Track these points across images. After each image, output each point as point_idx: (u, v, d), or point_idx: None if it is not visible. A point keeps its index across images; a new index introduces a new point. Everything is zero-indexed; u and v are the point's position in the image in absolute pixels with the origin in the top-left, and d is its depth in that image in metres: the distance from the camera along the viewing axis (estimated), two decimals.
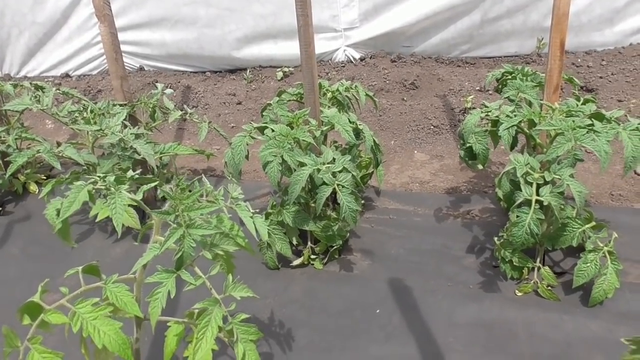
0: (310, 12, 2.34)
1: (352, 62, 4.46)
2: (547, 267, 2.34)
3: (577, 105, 2.34)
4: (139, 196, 1.61)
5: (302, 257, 2.60)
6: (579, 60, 4.13)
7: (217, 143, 3.90)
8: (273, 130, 2.36)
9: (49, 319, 1.47)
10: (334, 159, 2.34)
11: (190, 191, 1.57)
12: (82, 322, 1.47)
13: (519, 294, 2.33)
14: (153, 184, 1.70)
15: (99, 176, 1.59)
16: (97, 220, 2.92)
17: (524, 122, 2.31)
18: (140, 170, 3.07)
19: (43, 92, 3.05)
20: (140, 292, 1.69)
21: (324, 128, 2.49)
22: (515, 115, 2.27)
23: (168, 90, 3.35)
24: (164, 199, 1.57)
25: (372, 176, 3.03)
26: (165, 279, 1.53)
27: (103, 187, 1.60)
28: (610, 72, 3.94)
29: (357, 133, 2.54)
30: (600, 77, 3.95)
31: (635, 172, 3.12)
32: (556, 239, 2.28)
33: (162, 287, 1.52)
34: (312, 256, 2.61)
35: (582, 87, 3.89)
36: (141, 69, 4.94)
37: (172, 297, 1.52)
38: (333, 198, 2.70)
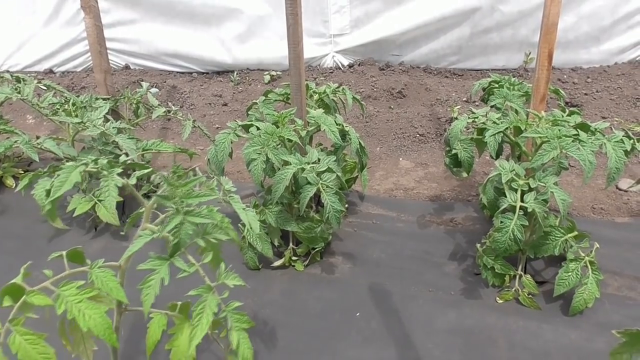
0: (300, 12, 2.33)
1: (340, 68, 4.46)
2: (528, 275, 2.34)
3: (563, 116, 2.35)
4: (132, 180, 1.57)
5: (283, 259, 2.56)
6: (565, 76, 4.18)
7: (201, 143, 3.86)
8: (258, 128, 2.34)
9: (32, 300, 1.41)
10: (318, 159, 2.32)
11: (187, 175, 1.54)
12: (67, 305, 1.41)
13: (500, 301, 2.32)
14: (147, 171, 1.65)
15: (90, 158, 1.54)
16: (74, 215, 2.85)
17: (510, 129, 2.31)
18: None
19: (24, 84, 2.98)
20: (124, 279, 1.65)
21: (310, 128, 2.47)
22: (502, 122, 2.28)
23: (153, 89, 3.31)
24: (146, 196, 1.52)
25: (357, 181, 3.02)
26: (158, 265, 1.48)
27: (95, 170, 1.55)
28: (595, 89, 4.00)
29: (343, 135, 2.52)
30: (585, 94, 4.00)
31: (617, 187, 3.15)
32: (538, 247, 2.28)
33: (156, 274, 1.47)
34: (294, 258, 2.57)
35: (567, 103, 3.94)
36: (127, 67, 4.88)
37: (165, 284, 1.47)
38: (317, 200, 2.68)
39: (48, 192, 1.54)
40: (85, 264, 1.52)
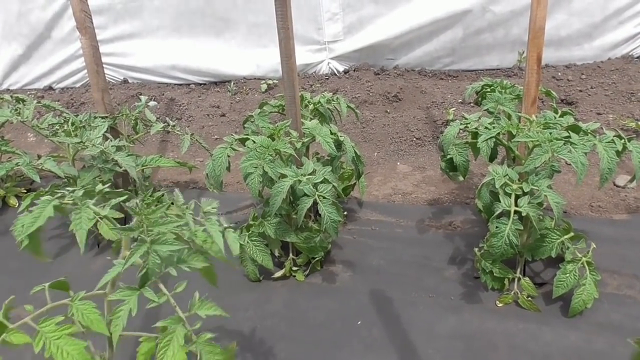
0: (291, 25, 2.36)
1: (336, 74, 4.49)
2: (527, 278, 2.36)
3: (555, 117, 2.37)
4: (104, 211, 1.57)
5: (283, 269, 2.58)
6: (559, 73, 4.20)
7: (200, 155, 3.89)
8: (254, 142, 2.36)
9: (11, 339, 1.43)
10: (314, 170, 2.34)
11: (159, 203, 1.54)
12: (45, 342, 1.41)
13: (500, 304, 2.34)
14: (121, 199, 1.65)
15: (67, 190, 1.56)
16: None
17: (502, 134, 2.33)
18: (122, 185, 3.06)
19: (24, 105, 3.03)
20: (111, 308, 1.66)
21: (305, 140, 2.50)
22: (493, 127, 2.30)
23: (152, 103, 3.35)
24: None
25: (355, 187, 3.04)
26: (127, 296, 1.49)
27: (70, 202, 1.56)
28: (590, 85, 4.02)
29: (339, 144, 2.55)
30: (580, 91, 4.01)
31: (614, 184, 3.17)
32: (535, 249, 2.30)
33: (125, 304, 1.48)
34: (294, 268, 2.60)
35: (562, 100, 3.96)
36: (125, 81, 4.92)
37: (133, 315, 1.47)
38: (315, 209, 2.70)
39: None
40: (69, 294, 1.52)
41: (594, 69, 4.19)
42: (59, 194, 1.55)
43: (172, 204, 1.59)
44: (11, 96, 3.24)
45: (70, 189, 1.57)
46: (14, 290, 1.96)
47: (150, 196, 1.52)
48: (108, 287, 1.58)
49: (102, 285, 1.54)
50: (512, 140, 2.28)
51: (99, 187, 1.61)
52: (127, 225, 1.49)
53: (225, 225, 1.58)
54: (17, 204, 3.44)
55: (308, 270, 2.61)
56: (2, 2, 4.78)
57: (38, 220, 1.51)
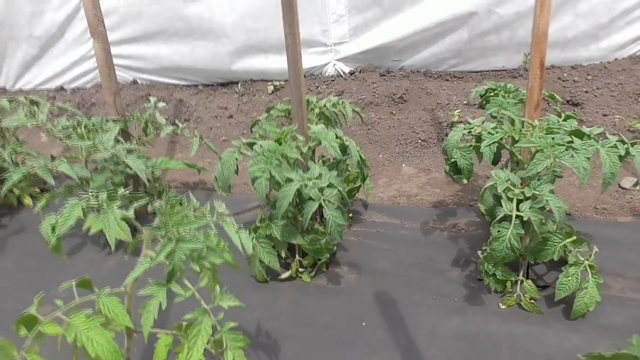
0: (297, 31, 2.40)
1: (341, 76, 4.52)
2: (530, 281, 2.39)
3: (558, 121, 2.40)
4: (130, 213, 1.67)
5: (290, 270, 2.64)
6: (565, 74, 4.20)
7: (209, 156, 3.95)
8: (261, 147, 2.41)
9: (45, 330, 1.53)
10: (320, 175, 2.39)
11: (180, 205, 1.63)
12: (76, 333, 1.53)
13: (503, 307, 2.37)
14: (144, 201, 1.77)
15: (91, 193, 1.64)
16: (89, 233, 2.96)
17: (505, 138, 2.37)
18: (132, 186, 3.13)
19: (38, 108, 3.10)
20: (131, 304, 1.74)
21: (311, 144, 2.54)
22: (496, 132, 2.33)
23: (161, 104, 3.40)
24: (154, 214, 1.62)
25: (360, 189, 3.08)
26: (156, 291, 1.60)
27: (96, 204, 1.65)
28: (596, 86, 4.02)
29: (344, 148, 2.59)
30: (586, 92, 4.02)
31: (620, 186, 3.18)
32: (538, 253, 2.33)
33: (154, 299, 1.58)
34: (300, 269, 2.65)
35: (567, 101, 3.97)
36: (134, 82, 4.99)
37: (163, 308, 1.58)
38: (320, 212, 2.75)
39: (53, 228, 1.65)
40: (93, 291, 1.63)
41: (601, 70, 4.19)
42: (85, 197, 1.64)
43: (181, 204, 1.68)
44: (25, 98, 3.31)
45: (93, 191, 1.65)
46: (31, 288, 2.04)
47: (172, 198, 1.60)
48: (129, 285, 1.68)
49: (128, 282, 1.64)
50: (514, 145, 2.31)
51: (121, 191, 1.70)
52: (153, 225, 1.59)
53: (237, 226, 1.68)
54: (32, 204, 3.52)
55: (314, 272, 2.66)
56: (15, 3, 4.85)
57: (68, 221, 1.62)
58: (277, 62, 4.49)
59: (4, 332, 1.66)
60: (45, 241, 1.73)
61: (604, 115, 3.79)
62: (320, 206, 2.31)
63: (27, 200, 3.56)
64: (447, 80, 4.36)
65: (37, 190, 3.65)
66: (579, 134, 2.30)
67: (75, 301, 1.60)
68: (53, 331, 1.53)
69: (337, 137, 2.56)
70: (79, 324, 1.53)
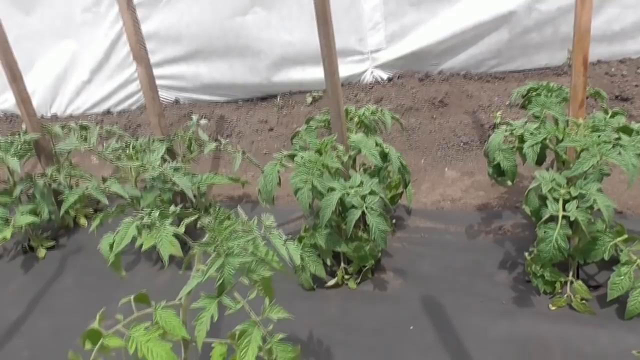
0: (333, 43, 2.45)
1: (380, 83, 4.54)
2: (580, 281, 2.34)
3: (605, 119, 2.35)
4: (181, 229, 1.76)
5: (336, 278, 2.67)
6: (613, 69, 4.08)
7: (252, 170, 4.04)
8: (302, 158, 2.47)
9: (108, 343, 1.64)
10: (362, 182, 2.42)
11: (229, 219, 1.70)
12: (137, 344, 1.63)
13: (553, 308, 2.33)
14: (193, 217, 1.85)
15: (144, 212, 1.73)
16: (142, 249, 3.08)
17: (549, 138, 2.33)
18: (181, 203, 3.24)
19: (87, 132, 3.27)
20: (186, 316, 1.82)
21: (351, 153, 2.58)
22: (539, 133, 2.31)
23: (203, 121, 3.52)
24: (203, 228, 1.70)
25: (403, 195, 3.09)
26: (208, 304, 1.67)
27: (149, 222, 1.75)
28: None
29: (385, 155, 2.62)
30: (636, 86, 3.90)
31: None
32: (587, 253, 2.28)
33: (206, 311, 1.66)
34: (346, 276, 2.68)
35: (616, 97, 3.85)
36: (176, 101, 5.16)
37: (214, 320, 1.65)
38: (364, 219, 2.78)
39: (111, 246, 1.76)
40: (150, 305, 1.72)
41: None
42: (139, 216, 1.75)
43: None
44: (76, 123, 3.49)
45: (146, 210, 1.75)
46: (91, 304, 2.16)
47: (221, 213, 1.68)
48: (183, 298, 1.76)
49: (182, 296, 1.73)
50: (559, 145, 2.28)
51: (172, 208, 1.80)
52: (202, 241, 1.67)
53: (284, 237, 1.73)
54: (87, 224, 3.69)
55: (360, 278, 2.69)
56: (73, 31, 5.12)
57: (124, 240, 1.74)
58: (314, 73, 4.55)
59: (72, 345, 1.78)
60: (104, 259, 1.84)
61: None
62: (363, 213, 2.34)
63: (83, 221, 3.73)
64: (488, 81, 4.31)
65: (91, 210, 3.82)
66: (627, 130, 2.25)
67: (134, 315, 1.71)
68: (115, 344, 1.64)
69: (376, 144, 2.59)
70: (139, 336, 1.63)
